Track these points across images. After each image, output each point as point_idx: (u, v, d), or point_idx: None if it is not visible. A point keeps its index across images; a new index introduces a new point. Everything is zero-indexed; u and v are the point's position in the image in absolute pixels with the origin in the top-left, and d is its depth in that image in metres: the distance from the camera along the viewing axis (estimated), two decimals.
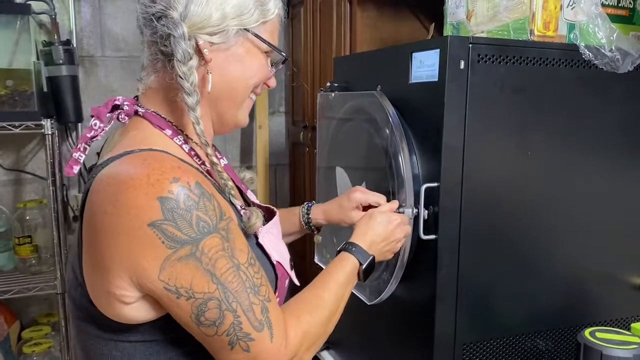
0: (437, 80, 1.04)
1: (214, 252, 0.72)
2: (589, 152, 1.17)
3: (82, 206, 0.78)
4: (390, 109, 1.16)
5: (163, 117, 0.85)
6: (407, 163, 1.10)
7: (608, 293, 1.25)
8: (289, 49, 2.36)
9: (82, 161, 0.84)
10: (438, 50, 1.04)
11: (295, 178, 2.43)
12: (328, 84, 1.46)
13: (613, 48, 1.10)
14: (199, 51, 0.81)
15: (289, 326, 0.79)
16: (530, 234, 1.15)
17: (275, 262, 0.89)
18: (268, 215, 0.97)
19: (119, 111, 0.86)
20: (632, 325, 1.17)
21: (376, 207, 1.12)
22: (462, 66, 1.02)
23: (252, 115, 2.39)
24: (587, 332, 1.06)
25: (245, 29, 0.84)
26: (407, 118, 1.14)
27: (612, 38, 1.10)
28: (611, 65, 1.11)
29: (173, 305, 0.72)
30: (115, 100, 0.87)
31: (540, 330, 1.19)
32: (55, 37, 2.04)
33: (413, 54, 1.12)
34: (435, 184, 1.05)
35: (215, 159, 0.82)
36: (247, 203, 0.98)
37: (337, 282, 0.93)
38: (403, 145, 1.11)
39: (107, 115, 0.85)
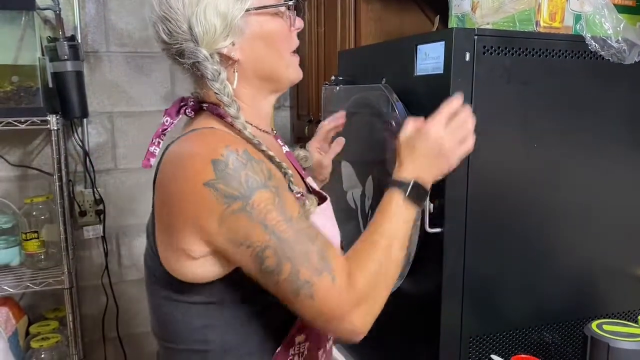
0: (442, 72, 1.04)
1: (264, 205, 0.78)
2: (596, 144, 1.17)
3: (154, 179, 0.88)
4: (396, 102, 1.16)
5: (222, 110, 0.90)
6: None
7: (615, 285, 1.25)
8: None
9: (157, 154, 0.91)
10: (443, 42, 1.04)
11: None
12: (333, 77, 1.46)
13: (620, 39, 1.09)
14: (227, 58, 0.87)
15: (352, 274, 0.81)
16: (536, 226, 1.14)
17: None
18: (321, 200, 1.00)
19: (185, 106, 0.94)
20: (639, 317, 1.17)
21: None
22: (467, 58, 1.02)
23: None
24: (594, 324, 1.05)
25: (245, 10, 0.85)
26: (413, 111, 1.14)
27: (618, 29, 1.10)
28: (618, 57, 1.10)
29: (237, 254, 0.80)
30: (182, 99, 0.95)
31: (546, 323, 1.18)
32: (60, 32, 2.04)
33: (418, 46, 1.12)
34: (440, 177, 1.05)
35: (271, 153, 0.87)
36: (308, 189, 1.01)
37: (388, 222, 0.89)
38: None
39: (176, 111, 0.94)
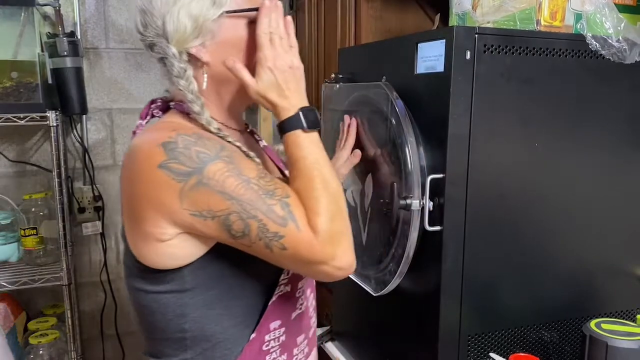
0: (442, 71, 1.04)
1: (220, 174, 0.80)
2: (595, 143, 1.17)
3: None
4: (396, 100, 1.16)
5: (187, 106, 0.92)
6: (413, 154, 1.09)
7: (614, 284, 1.25)
8: None
9: None
10: (444, 40, 1.03)
11: None
12: (333, 75, 1.46)
13: (620, 38, 1.09)
14: (195, 59, 0.89)
15: (309, 219, 0.83)
16: (535, 225, 1.14)
17: None
18: None
19: (153, 106, 0.97)
20: (638, 316, 1.17)
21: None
22: (468, 57, 1.02)
23: (255, 107, 2.39)
24: (592, 323, 1.06)
25: (219, 15, 0.87)
26: (413, 109, 1.14)
27: (619, 28, 1.10)
28: (618, 56, 1.10)
29: (205, 227, 0.82)
30: (152, 100, 0.98)
31: (545, 322, 1.18)
32: (60, 28, 2.04)
33: (419, 44, 1.12)
34: (440, 175, 1.05)
35: (238, 143, 0.89)
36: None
37: (308, 159, 0.88)
38: (409, 136, 1.10)
39: (146, 112, 0.97)
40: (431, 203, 1.07)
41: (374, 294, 1.24)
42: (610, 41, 1.09)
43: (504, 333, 1.15)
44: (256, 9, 0.90)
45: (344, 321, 1.60)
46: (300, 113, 0.89)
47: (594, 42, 1.09)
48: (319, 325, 1.93)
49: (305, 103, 0.91)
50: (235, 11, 0.88)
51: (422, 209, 1.08)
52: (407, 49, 1.15)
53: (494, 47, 1.03)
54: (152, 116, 0.97)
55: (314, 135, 0.90)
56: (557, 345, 1.20)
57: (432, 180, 1.06)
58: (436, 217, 1.07)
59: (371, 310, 1.37)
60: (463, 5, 1.22)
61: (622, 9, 1.15)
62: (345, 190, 1.41)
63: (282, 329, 0.97)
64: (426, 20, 1.77)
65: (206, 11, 0.86)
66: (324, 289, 2.07)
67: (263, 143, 1.08)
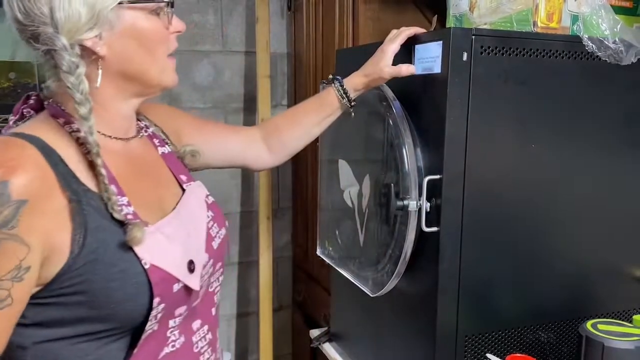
0: (440, 72, 1.04)
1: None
2: (592, 144, 1.17)
3: None
4: (393, 102, 1.16)
5: (62, 109, 0.82)
6: (410, 155, 1.10)
7: (610, 285, 1.25)
8: (291, 41, 2.36)
9: None
10: (441, 42, 1.04)
11: (298, 171, 2.43)
12: (330, 76, 1.45)
13: (617, 40, 1.09)
14: (91, 52, 0.79)
15: None
16: (532, 226, 1.15)
17: (148, 267, 0.79)
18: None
19: (24, 105, 0.86)
20: (634, 317, 1.18)
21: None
22: (464, 58, 1.02)
23: (254, 108, 2.39)
24: (589, 324, 1.06)
25: (118, 3, 0.79)
26: (410, 110, 1.14)
27: (615, 30, 1.10)
28: (614, 57, 1.10)
29: None
30: (28, 95, 0.87)
31: (542, 322, 1.19)
32: None
33: (415, 46, 1.12)
34: (437, 177, 1.05)
35: (103, 171, 0.78)
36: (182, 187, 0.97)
37: None
38: (406, 137, 1.11)
39: (18, 108, 0.86)
40: (428, 204, 1.07)
41: (371, 295, 1.24)
42: (606, 42, 1.09)
43: (501, 334, 1.15)
44: (159, 2, 0.83)
45: (341, 322, 1.60)
46: None
47: (591, 44, 1.09)
48: (317, 326, 1.93)
49: None
50: (135, 1, 0.80)
51: (419, 210, 1.08)
52: (404, 50, 1.15)
53: (491, 49, 1.04)
54: (22, 115, 0.85)
55: None
56: (553, 346, 1.20)
57: (429, 182, 1.06)
58: (433, 218, 1.07)
59: (369, 311, 1.38)
60: (460, 6, 1.23)
61: (618, 10, 1.16)
62: (342, 191, 1.42)
63: None
64: (423, 22, 1.77)
65: None
66: (322, 289, 2.07)
67: (164, 149, 0.98)
